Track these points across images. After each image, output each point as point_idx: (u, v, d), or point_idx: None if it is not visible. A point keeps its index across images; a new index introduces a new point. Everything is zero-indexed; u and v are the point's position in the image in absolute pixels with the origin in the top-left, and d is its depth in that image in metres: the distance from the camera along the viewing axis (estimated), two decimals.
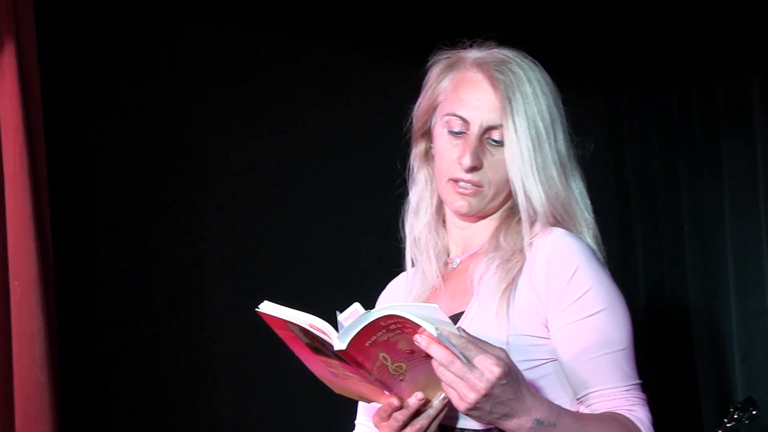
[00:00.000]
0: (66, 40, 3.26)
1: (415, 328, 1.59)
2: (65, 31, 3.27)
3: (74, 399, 3.09)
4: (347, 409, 2.12)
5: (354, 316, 1.61)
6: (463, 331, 1.63)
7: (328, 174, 3.86)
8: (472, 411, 1.62)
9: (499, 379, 1.59)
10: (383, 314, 1.57)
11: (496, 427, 1.78)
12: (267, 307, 1.68)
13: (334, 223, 3.88)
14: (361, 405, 2.08)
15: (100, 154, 3.37)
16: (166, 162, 3.50)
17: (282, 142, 3.76)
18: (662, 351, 4.47)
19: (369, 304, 2.18)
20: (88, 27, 3.34)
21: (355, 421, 2.10)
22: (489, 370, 1.59)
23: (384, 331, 1.60)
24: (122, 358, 3.34)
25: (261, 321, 1.70)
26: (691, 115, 4.45)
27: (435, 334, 1.57)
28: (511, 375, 1.62)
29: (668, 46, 4.33)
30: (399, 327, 1.60)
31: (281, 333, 1.72)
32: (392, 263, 2.13)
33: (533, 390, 1.70)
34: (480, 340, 1.64)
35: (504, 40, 2.00)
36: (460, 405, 1.62)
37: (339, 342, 1.60)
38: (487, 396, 1.60)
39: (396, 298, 2.10)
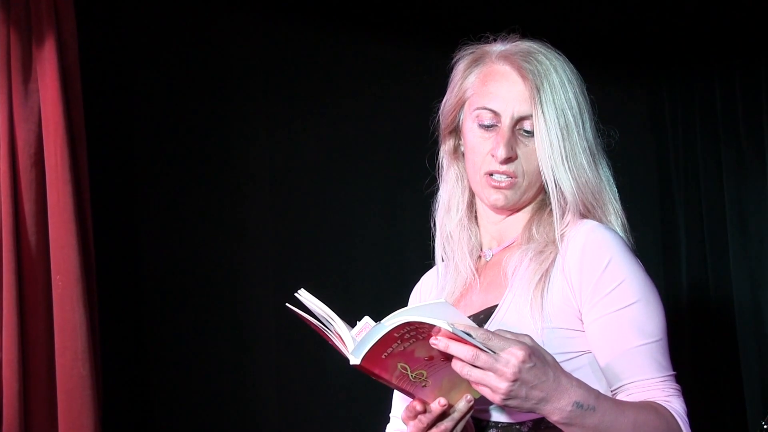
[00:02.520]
0: (107, 36, 3.28)
1: (429, 330, 1.57)
2: (106, 27, 3.28)
3: (115, 392, 3.11)
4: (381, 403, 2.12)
5: (365, 330, 1.58)
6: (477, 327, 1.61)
7: (369, 171, 3.86)
8: (509, 401, 1.60)
9: (523, 361, 1.57)
10: (395, 325, 1.54)
11: (531, 420, 1.78)
12: (304, 296, 1.67)
13: (377, 219, 3.88)
14: (396, 397, 2.07)
15: (141, 149, 3.38)
16: (206, 157, 3.51)
17: (323, 141, 3.76)
18: (706, 341, 4.45)
19: (407, 297, 2.18)
20: (129, 22, 3.36)
21: (390, 414, 2.10)
22: (513, 354, 1.57)
23: (399, 342, 1.57)
24: (162, 351, 3.36)
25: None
26: (734, 105, 4.42)
27: (450, 330, 1.54)
28: (536, 356, 1.60)
29: (711, 35, 4.29)
30: (413, 335, 1.58)
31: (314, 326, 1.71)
32: (431, 257, 2.12)
33: (568, 373, 1.67)
34: (501, 330, 1.63)
35: (550, 31, 2.00)
36: (495, 398, 1.60)
37: (353, 357, 1.58)
38: (516, 381, 1.57)
39: (428, 294, 2.10)
